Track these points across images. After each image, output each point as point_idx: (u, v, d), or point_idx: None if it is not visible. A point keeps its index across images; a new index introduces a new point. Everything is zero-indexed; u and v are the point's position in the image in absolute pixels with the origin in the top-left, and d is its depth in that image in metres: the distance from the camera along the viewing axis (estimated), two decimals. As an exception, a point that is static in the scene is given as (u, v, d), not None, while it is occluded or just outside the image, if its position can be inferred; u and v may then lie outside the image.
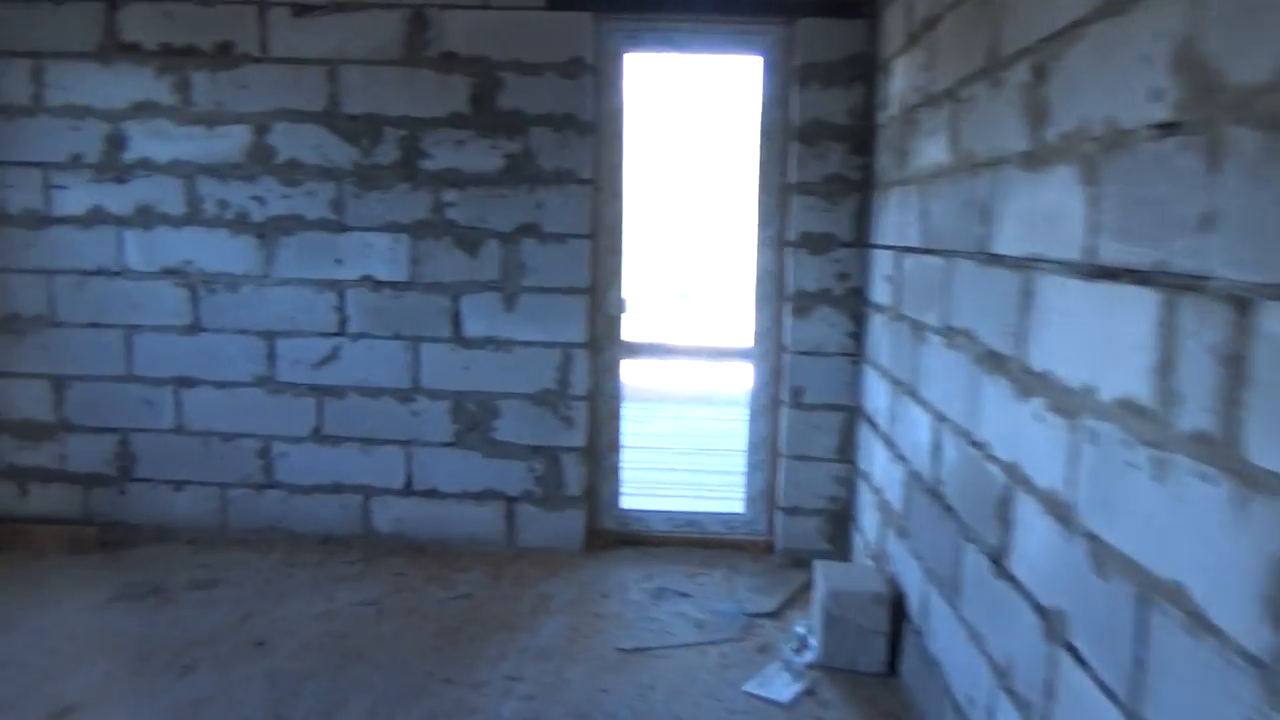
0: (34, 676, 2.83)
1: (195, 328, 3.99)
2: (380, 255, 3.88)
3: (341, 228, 3.88)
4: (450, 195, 3.82)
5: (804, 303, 3.77)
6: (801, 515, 3.92)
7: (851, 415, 3.82)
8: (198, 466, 4.08)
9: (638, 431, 6.11)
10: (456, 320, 3.89)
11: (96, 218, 3.96)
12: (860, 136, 3.65)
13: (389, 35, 3.76)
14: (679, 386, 8.03)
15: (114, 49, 3.86)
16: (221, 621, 3.25)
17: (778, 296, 3.89)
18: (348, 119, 3.81)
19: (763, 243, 3.86)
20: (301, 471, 4.04)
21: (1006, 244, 2.11)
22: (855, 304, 3.75)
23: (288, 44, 3.79)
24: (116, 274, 3.99)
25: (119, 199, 3.94)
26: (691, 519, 4.13)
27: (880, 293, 3.43)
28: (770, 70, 3.75)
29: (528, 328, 3.87)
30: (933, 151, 2.73)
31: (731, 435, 6.48)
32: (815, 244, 3.73)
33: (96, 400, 4.07)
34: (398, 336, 3.93)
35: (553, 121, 3.75)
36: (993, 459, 2.14)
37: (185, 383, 4.03)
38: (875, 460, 3.44)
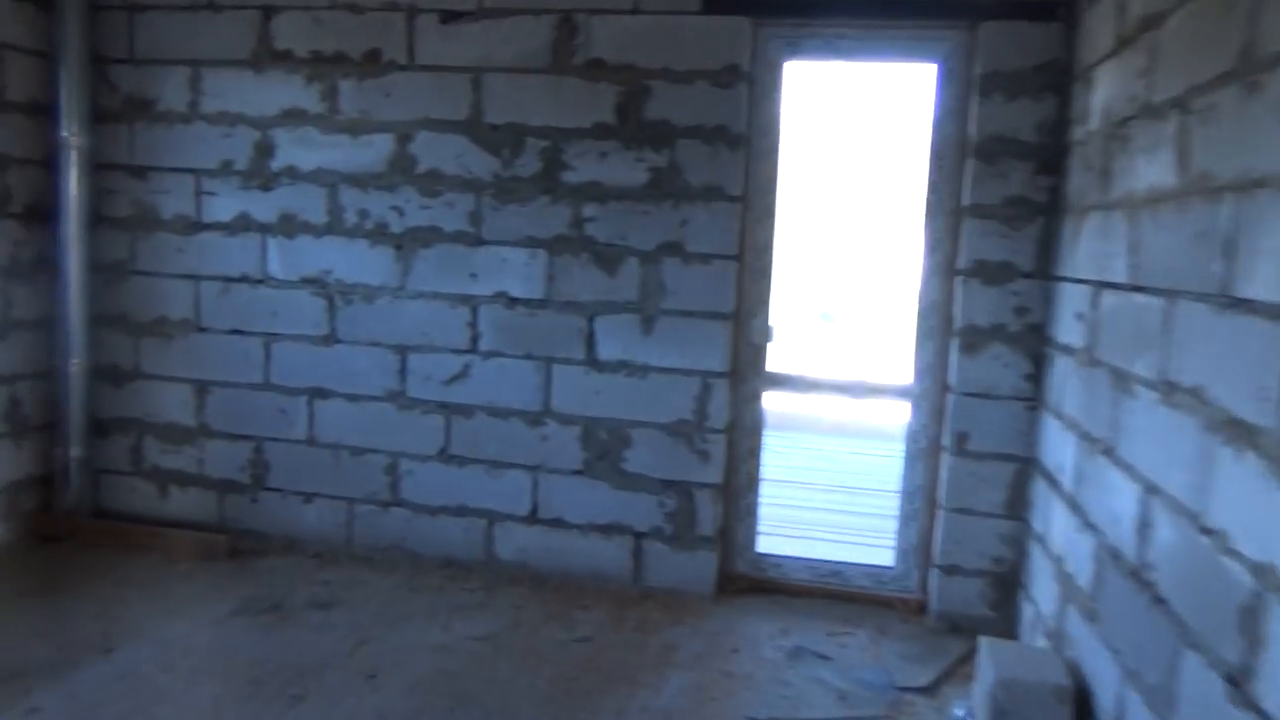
0: (147, 696, 2.76)
1: (331, 339, 3.93)
2: (516, 271, 3.71)
3: (478, 241, 3.73)
4: (590, 210, 3.61)
5: (974, 338, 3.37)
6: (961, 575, 3.50)
7: (1024, 468, 3.38)
8: (327, 479, 4.01)
9: (775, 464, 5.77)
10: (590, 342, 3.68)
11: (242, 225, 3.96)
12: (1048, 154, 3.22)
13: (535, 42, 3.59)
14: (820, 415, 7.61)
15: (267, 56, 3.85)
16: (335, 648, 3.12)
17: (944, 330, 3.50)
18: (490, 129, 3.67)
19: (929, 270, 3.48)
20: (427, 491, 3.92)
21: (1261, 287, 1.69)
22: (1034, 343, 3.32)
23: (433, 52, 3.69)
24: (259, 281, 3.97)
25: (264, 206, 3.92)
26: (835, 569, 3.77)
27: (1068, 332, 2.99)
28: (946, 79, 3.37)
29: (665, 353, 3.62)
30: (1150, 172, 2.31)
31: (879, 473, 6.05)
32: (990, 273, 3.32)
33: (235, 407, 4.07)
34: (529, 356, 3.75)
35: (702, 134, 3.49)
36: (1234, 554, 1.72)
37: (319, 394, 3.97)
38: (1054, 523, 3.00)
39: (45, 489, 4.12)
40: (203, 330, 4.06)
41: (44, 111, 3.94)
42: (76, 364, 4.03)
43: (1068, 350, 2.99)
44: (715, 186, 3.50)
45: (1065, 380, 2.99)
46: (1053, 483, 3.06)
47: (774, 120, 3.54)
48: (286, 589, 3.60)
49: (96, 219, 4.06)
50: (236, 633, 3.20)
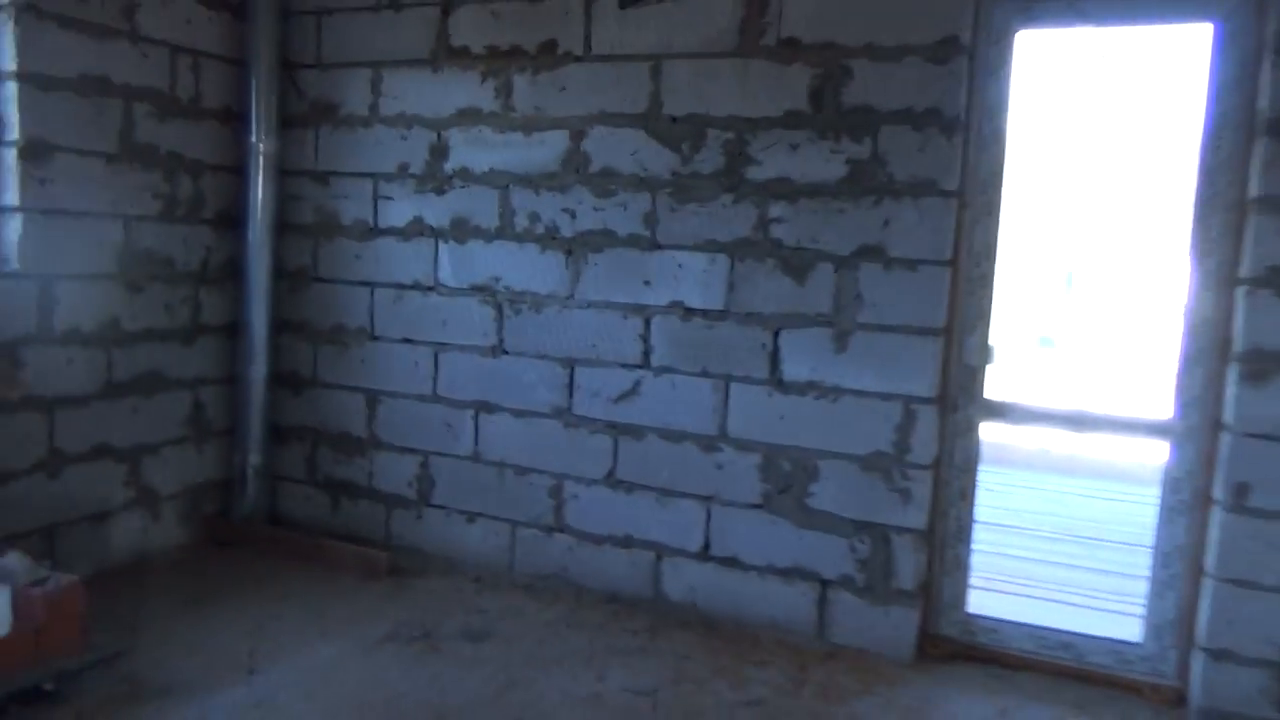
0: (277, 725, 2.57)
1: (498, 349, 3.71)
2: (693, 278, 3.34)
3: (653, 245, 3.39)
4: (777, 209, 3.19)
5: (1262, 365, 2.66)
6: (1234, 663, 2.78)
7: (1331, 533, 2.63)
8: (491, 499, 3.78)
9: (990, 504, 5.06)
10: (775, 359, 3.24)
11: (416, 229, 3.82)
12: (1376, 128, 2.50)
13: (721, 23, 3.22)
14: (1045, 449, 6.74)
15: (444, 54, 3.70)
16: (480, 690, 2.83)
17: (1218, 354, 2.80)
18: (669, 121, 3.33)
19: (1199, 279, 2.80)
20: (592, 518, 3.60)
21: None
22: (1349, 372, 2.58)
23: (611, 39, 3.39)
24: (429, 289, 3.82)
25: (437, 210, 3.77)
26: (1065, 640, 3.12)
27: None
28: (1227, 42, 2.70)
29: (861, 373, 3.12)
30: None
31: (1119, 523, 5.21)
32: (1287, 283, 2.61)
33: (403, 419, 3.93)
34: (705, 374, 3.35)
35: (910, 118, 2.99)
36: None
37: (485, 408, 3.75)
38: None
39: (225, 494, 4.14)
40: (375, 339, 3.95)
41: (236, 118, 3.97)
42: (259, 370, 4.02)
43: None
44: (926, 180, 2.99)
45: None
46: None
47: (1000, 101, 2.98)
48: (441, 614, 3.37)
49: (281, 225, 4.05)
50: (383, 662, 2.98)
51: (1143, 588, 3.03)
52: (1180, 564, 2.93)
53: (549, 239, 3.57)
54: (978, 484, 3.17)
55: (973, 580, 3.23)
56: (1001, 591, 3.94)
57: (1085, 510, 5.63)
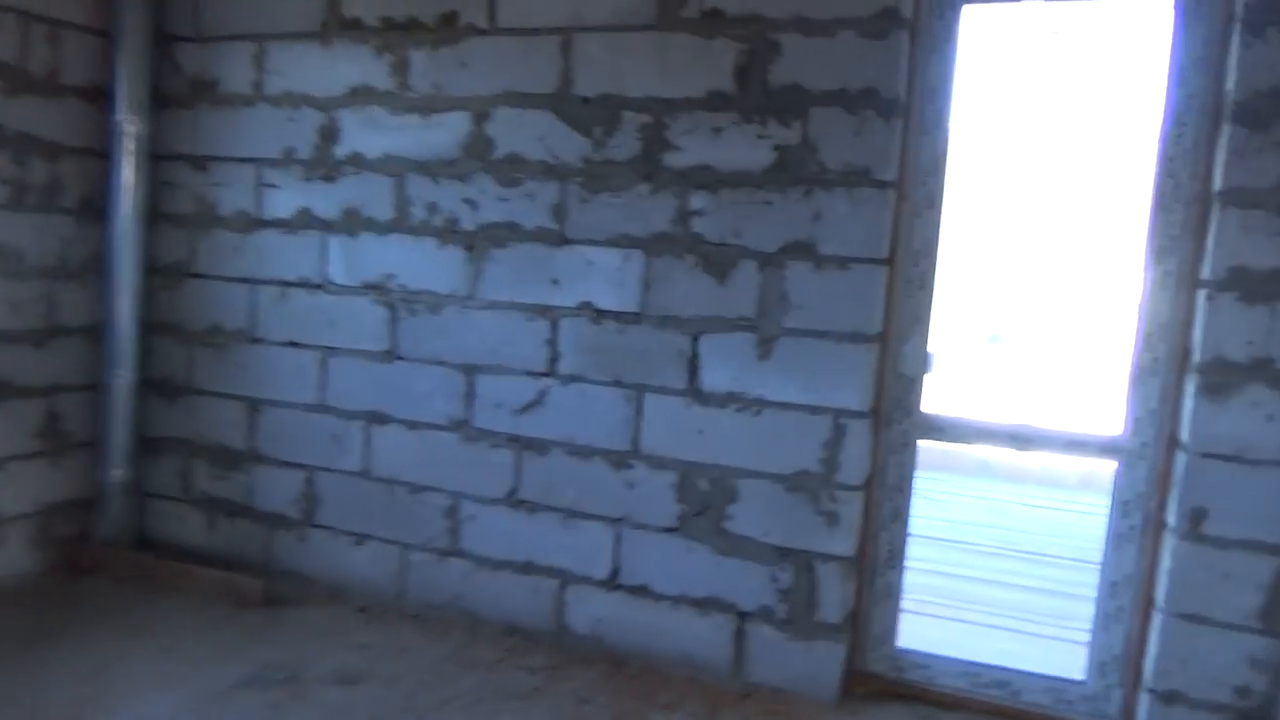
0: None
1: (392, 355, 3.33)
2: (604, 276, 3.00)
3: (561, 240, 3.05)
4: (698, 201, 2.87)
5: (1223, 377, 2.40)
6: (1185, 706, 2.52)
7: (1296, 564, 2.38)
8: (381, 519, 3.40)
9: (926, 515, 4.78)
10: (693, 367, 2.92)
11: (303, 221, 3.43)
12: (1347, 116, 2.26)
13: (637, -7, 2.91)
14: (986, 459, 6.50)
15: (335, 26, 3.33)
16: (343, 742, 2.44)
17: (1176, 364, 2.54)
18: (580, 102, 3.00)
19: (1156, 280, 2.54)
20: (491, 541, 3.23)
21: None
22: (1317, 386, 2.33)
23: (518, 11, 3.06)
24: (317, 287, 3.43)
25: (327, 200, 3.39)
26: (1001, 678, 2.83)
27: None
28: (1190, 16, 2.45)
29: (787, 384, 2.81)
30: None
31: (1065, 536, 4.96)
32: (1253, 286, 2.36)
33: (287, 430, 3.53)
34: (617, 383, 3.02)
35: (845, 100, 2.70)
36: None
37: (376, 419, 3.37)
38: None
39: (85, 514, 3.68)
40: (257, 341, 3.55)
41: (103, 96, 3.54)
42: (125, 376, 3.59)
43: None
44: (860, 169, 2.69)
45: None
46: (1354, 592, 2.07)
47: (943, 82, 2.70)
48: (315, 652, 2.97)
49: (153, 215, 3.64)
50: (231, 715, 2.57)
51: (1088, 610, 2.76)
52: (1128, 595, 2.66)
53: (448, 232, 3.21)
54: (912, 505, 2.87)
55: (906, 604, 2.93)
56: (936, 616, 3.65)
57: (1029, 521, 5.39)
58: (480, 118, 3.14)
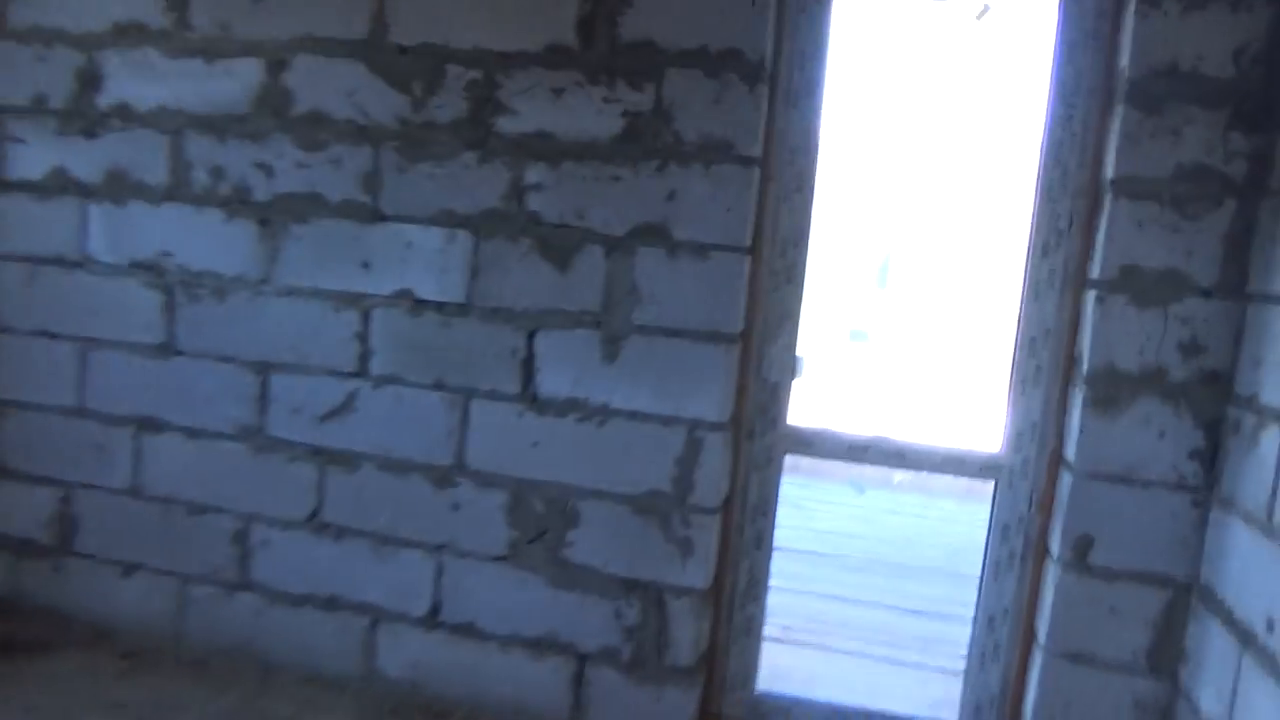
0: None
1: (169, 349, 2.76)
2: (426, 260, 2.54)
3: (375, 215, 2.57)
4: (535, 174, 2.44)
5: (1112, 389, 2.16)
6: (1068, 749, 2.27)
7: (1182, 598, 2.16)
8: (154, 546, 2.83)
9: (792, 525, 4.51)
10: (528, 369, 2.49)
11: (58, 184, 2.81)
12: (1254, 97, 2.04)
13: (465, -75, 2.46)
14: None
15: (98, -53, 2.72)
16: None
17: (1060, 373, 2.29)
18: (396, 52, 2.52)
19: (1039, 279, 2.28)
20: (289, 572, 2.72)
21: None
22: (1211, 400, 2.11)
23: (322, -61, 2.55)
24: (76, 265, 2.82)
25: (87, 160, 2.78)
26: (872, 720, 2.54)
27: (1278, 386, 1.80)
28: (1079, -10, 2.20)
29: (636, 390, 2.42)
30: None
31: (942, 546, 4.78)
32: (1145, 287, 2.12)
33: (39, 438, 2.91)
34: (440, 386, 2.56)
35: (704, 60, 2.32)
36: None
37: (150, 426, 2.80)
38: (1250, 701, 1.78)
39: None
40: (1, 331, 2.90)
41: None
42: None
43: (1269, 414, 1.79)
44: (721, 142, 2.33)
45: (1264, 460, 1.79)
46: (1242, 632, 1.85)
47: (817, 47, 2.36)
48: (54, 717, 2.39)
49: None
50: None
51: (965, 633, 2.51)
52: (1007, 629, 2.40)
53: (238, 203, 2.67)
54: (776, 528, 2.54)
55: (769, 630, 2.62)
56: (801, 645, 3.36)
57: (904, 529, 5.21)
58: (276, 66, 2.61)
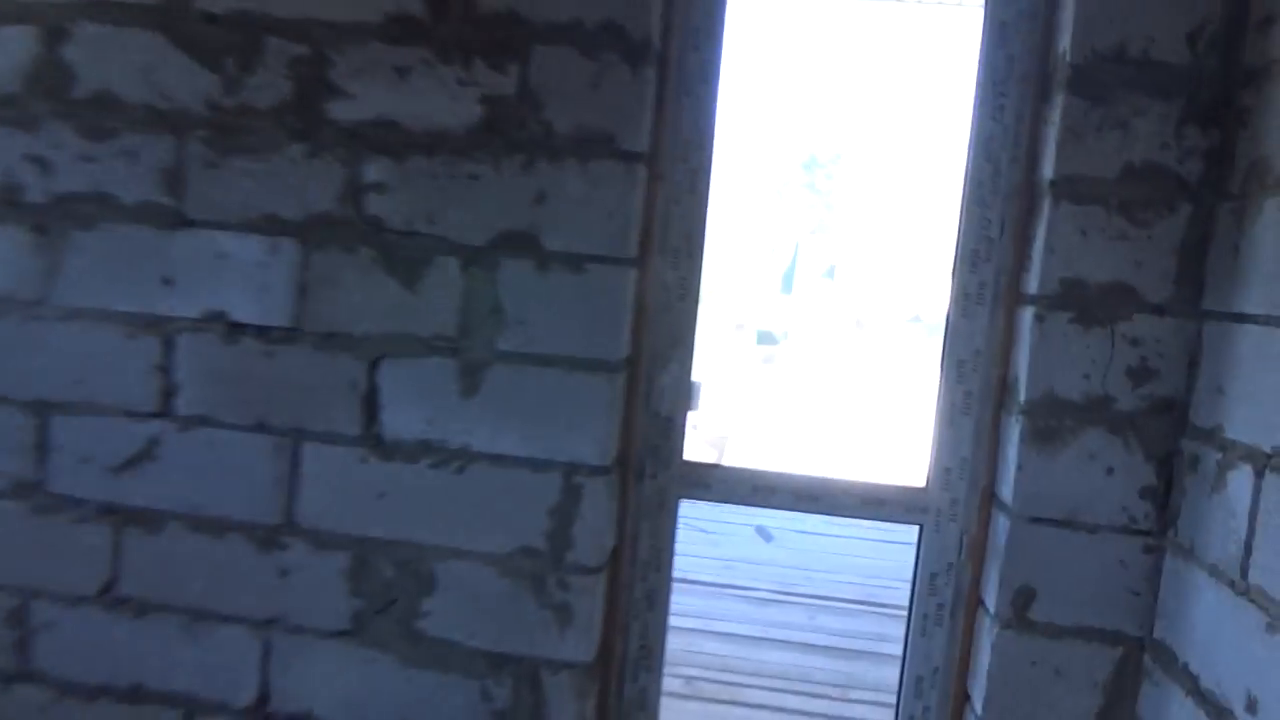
0: None
1: (-79, 384, 2.22)
2: (243, 275, 2.08)
3: (179, 220, 2.10)
4: (377, 171, 2.02)
5: (1055, 419, 1.87)
6: (1005, 829, 1.98)
7: (1134, 655, 1.89)
8: (-93, 631, 2.27)
9: (695, 554, 4.16)
10: (371, 405, 2.06)
11: None
12: (1211, 85, 1.78)
13: None
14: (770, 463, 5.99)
15: None
16: None
17: (993, 400, 2.00)
18: (203, 21, 2.06)
19: (966, 294, 1.99)
20: (80, 658, 2.22)
21: None
22: (1164, 432, 1.84)
23: (106, -121, 2.07)
24: None
25: None
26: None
27: (1248, 419, 1.53)
28: (1006, -38, 1.91)
29: (501, 429, 2.02)
30: None
31: (862, 570, 4.48)
32: (1089, 304, 1.84)
33: None
34: (263, 428, 2.10)
35: (578, 36, 1.94)
36: None
37: (-101, 480, 2.24)
38: (1239, 797, 1.51)
39: None
40: None
41: None
42: None
43: (1248, 454, 1.52)
44: (600, 134, 1.95)
45: (1239, 504, 1.52)
46: (1214, 709, 1.57)
47: (712, 25, 2.02)
48: None
49: None
50: None
51: (886, 673, 2.19)
52: (936, 693, 2.10)
53: (5, 205, 2.15)
54: (672, 588, 2.18)
55: (670, 685, 2.27)
56: (707, 700, 3.01)
57: (817, 554, 4.90)
58: (54, 36, 2.11)
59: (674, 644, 2.19)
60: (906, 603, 2.15)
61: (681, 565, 2.18)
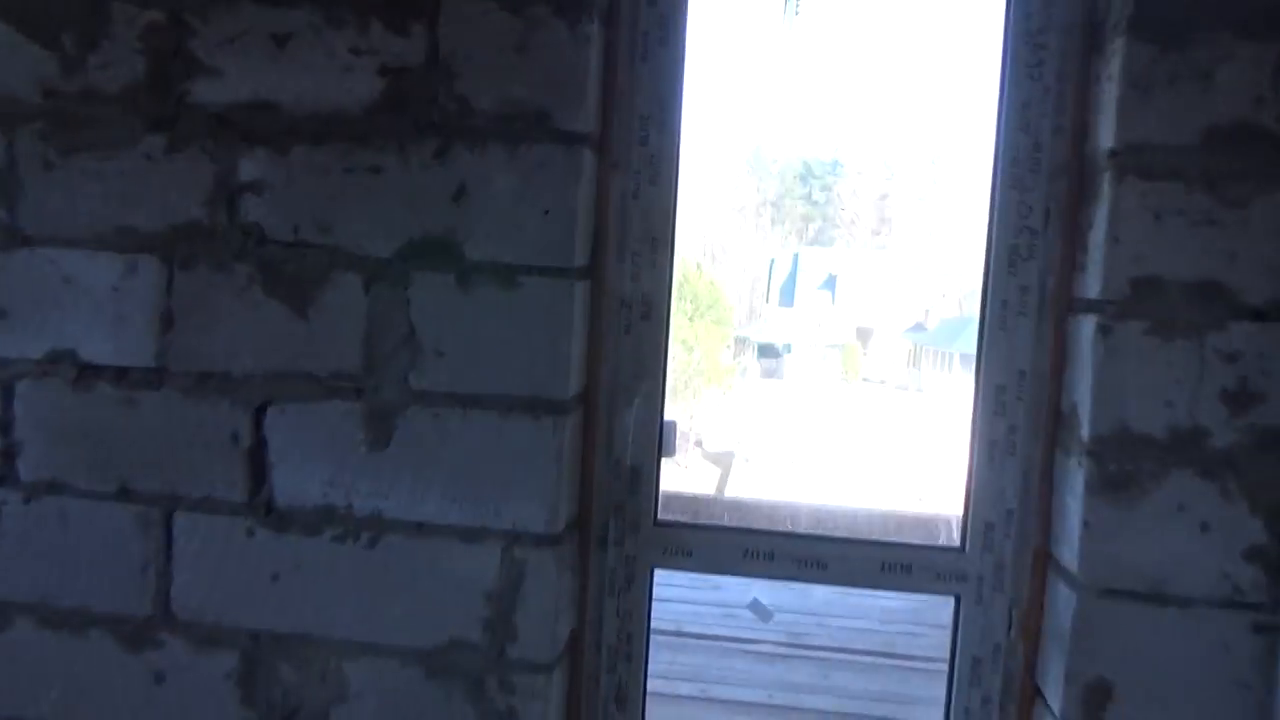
0: None
1: None
2: (93, 304, 1.65)
3: (11, 237, 1.67)
4: (254, 166, 1.60)
5: (1126, 459, 1.44)
6: None
7: (1242, 760, 1.46)
8: None
9: (685, 599, 3.71)
10: (257, 463, 1.63)
11: None
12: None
13: None
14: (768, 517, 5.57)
15: None
16: None
17: (1044, 436, 1.57)
18: (34, -14, 1.63)
19: (1005, 302, 1.56)
20: (-92, 789, 1.77)
21: None
22: (1275, 472, 1.42)
23: None
24: None
25: None
26: None
27: None
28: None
29: (422, 489, 1.59)
30: None
31: (881, 616, 3.97)
32: (1170, 309, 1.42)
33: None
34: (125, 495, 1.67)
35: (500, -12, 1.52)
36: None
37: None
38: None
39: None
40: None
41: None
42: None
43: None
44: (534, 110, 1.53)
45: None
46: None
47: (664, -31, 1.60)
48: None
49: None
50: None
51: None
52: (983, 802, 1.66)
53: None
54: (648, 676, 1.74)
55: None
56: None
57: (829, 598, 4.37)
58: None
59: (662, 712, 1.75)
60: (931, 653, 1.73)
61: (675, 615, 1.77)
